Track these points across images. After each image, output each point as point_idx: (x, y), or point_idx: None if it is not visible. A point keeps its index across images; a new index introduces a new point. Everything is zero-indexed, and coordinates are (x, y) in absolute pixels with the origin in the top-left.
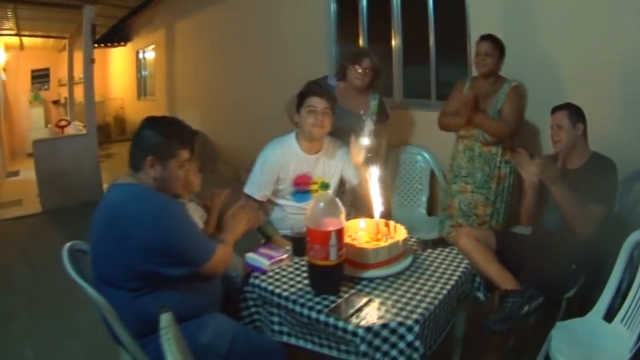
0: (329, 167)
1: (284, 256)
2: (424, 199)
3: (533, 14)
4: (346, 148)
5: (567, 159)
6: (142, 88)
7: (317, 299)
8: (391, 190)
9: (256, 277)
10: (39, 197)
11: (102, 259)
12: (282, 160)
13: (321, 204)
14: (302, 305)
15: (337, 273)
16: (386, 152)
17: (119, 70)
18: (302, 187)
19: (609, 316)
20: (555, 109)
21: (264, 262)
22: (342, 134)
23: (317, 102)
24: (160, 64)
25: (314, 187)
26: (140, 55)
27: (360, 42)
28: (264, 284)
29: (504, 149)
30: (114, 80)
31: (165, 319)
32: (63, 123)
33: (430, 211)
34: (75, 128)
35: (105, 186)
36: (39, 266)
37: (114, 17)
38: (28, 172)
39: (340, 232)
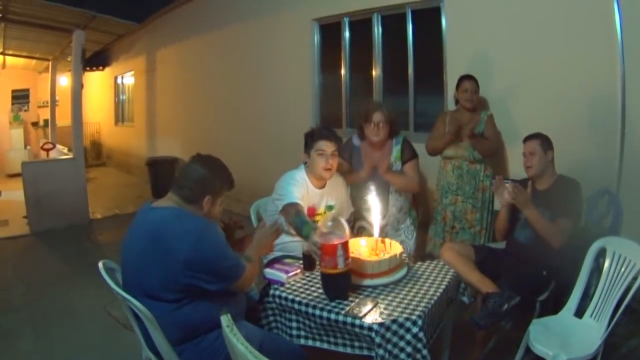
0: (330, 200)
1: (298, 271)
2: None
3: (503, 49)
4: (345, 185)
5: (537, 181)
6: (119, 113)
7: (333, 304)
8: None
9: (276, 289)
10: (26, 218)
11: (145, 272)
12: (303, 188)
13: (329, 223)
14: (322, 309)
15: (346, 279)
16: (418, 184)
17: (96, 95)
18: (309, 218)
19: (579, 314)
20: (528, 138)
21: (282, 276)
22: (373, 187)
23: (326, 146)
24: (140, 90)
25: (318, 217)
26: (119, 81)
27: (342, 72)
28: (284, 294)
29: (486, 166)
30: (90, 104)
31: (226, 319)
32: (48, 146)
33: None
34: (59, 151)
35: (90, 210)
36: (36, 285)
37: (99, 43)
38: (10, 193)
39: (345, 245)
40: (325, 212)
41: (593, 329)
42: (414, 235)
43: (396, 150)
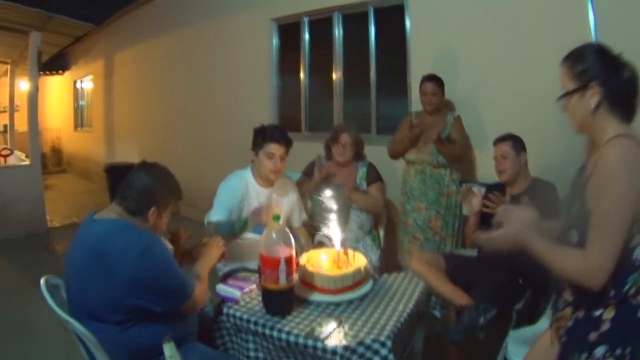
0: (280, 202)
1: (253, 286)
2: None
3: (471, 47)
4: (295, 189)
5: (511, 186)
6: (79, 119)
7: (292, 324)
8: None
9: (229, 307)
10: None
11: (87, 292)
12: (242, 190)
13: (273, 234)
14: (280, 330)
15: (287, 296)
16: (382, 206)
17: (56, 99)
18: (258, 220)
19: None
20: (498, 140)
21: (236, 293)
22: (334, 203)
23: (275, 149)
24: (99, 94)
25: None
26: (78, 85)
27: (301, 75)
28: (238, 313)
29: (452, 170)
30: (50, 109)
31: (169, 348)
32: (5, 152)
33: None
34: (17, 158)
35: (48, 218)
36: None
37: (57, 45)
38: None
39: (289, 259)
40: (274, 215)
41: None
42: (377, 251)
43: (362, 171)
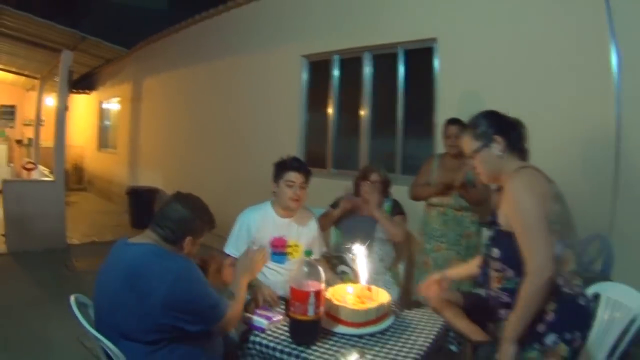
0: (301, 232)
1: (280, 317)
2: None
3: (496, 91)
4: (315, 221)
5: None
6: (103, 139)
7: (317, 353)
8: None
9: (257, 335)
10: (4, 236)
11: (119, 312)
12: (260, 224)
13: (305, 269)
14: (305, 359)
15: (314, 327)
16: (404, 236)
17: (81, 118)
18: (278, 249)
19: None
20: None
21: (264, 322)
22: (359, 236)
23: (295, 177)
24: (125, 117)
25: (289, 249)
26: (104, 106)
27: (330, 110)
28: (265, 342)
29: (472, 212)
30: (75, 128)
31: None
32: (30, 166)
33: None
34: (40, 172)
35: (67, 235)
36: (8, 308)
37: (87, 66)
38: None
39: (318, 293)
40: (296, 244)
41: None
42: (397, 288)
43: (387, 205)
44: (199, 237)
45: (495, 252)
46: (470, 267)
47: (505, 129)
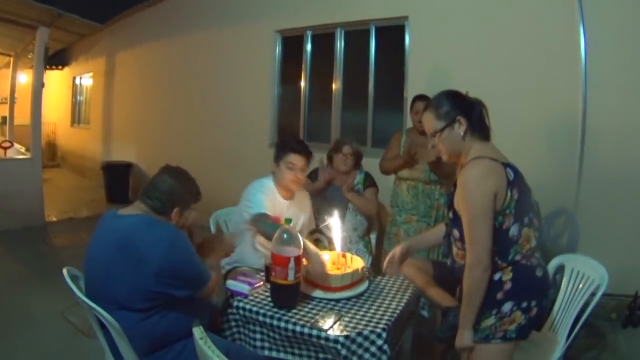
0: (296, 214)
1: (261, 283)
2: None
3: (465, 69)
4: (310, 200)
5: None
6: (76, 115)
7: (297, 317)
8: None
9: (239, 301)
10: None
11: (112, 281)
12: (269, 196)
13: (285, 235)
14: (287, 321)
15: (294, 291)
16: (376, 209)
17: (54, 94)
18: None
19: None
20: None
21: (246, 288)
22: (333, 204)
23: (296, 160)
24: (98, 92)
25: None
26: (77, 82)
27: (302, 84)
28: (247, 306)
29: (440, 184)
30: (48, 104)
31: (199, 331)
32: (6, 144)
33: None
34: (17, 150)
35: (45, 211)
36: None
37: (62, 42)
38: None
39: (298, 258)
40: (286, 219)
41: (553, 341)
42: (369, 257)
43: (360, 177)
44: (186, 208)
45: (456, 232)
46: (436, 235)
47: (467, 111)
